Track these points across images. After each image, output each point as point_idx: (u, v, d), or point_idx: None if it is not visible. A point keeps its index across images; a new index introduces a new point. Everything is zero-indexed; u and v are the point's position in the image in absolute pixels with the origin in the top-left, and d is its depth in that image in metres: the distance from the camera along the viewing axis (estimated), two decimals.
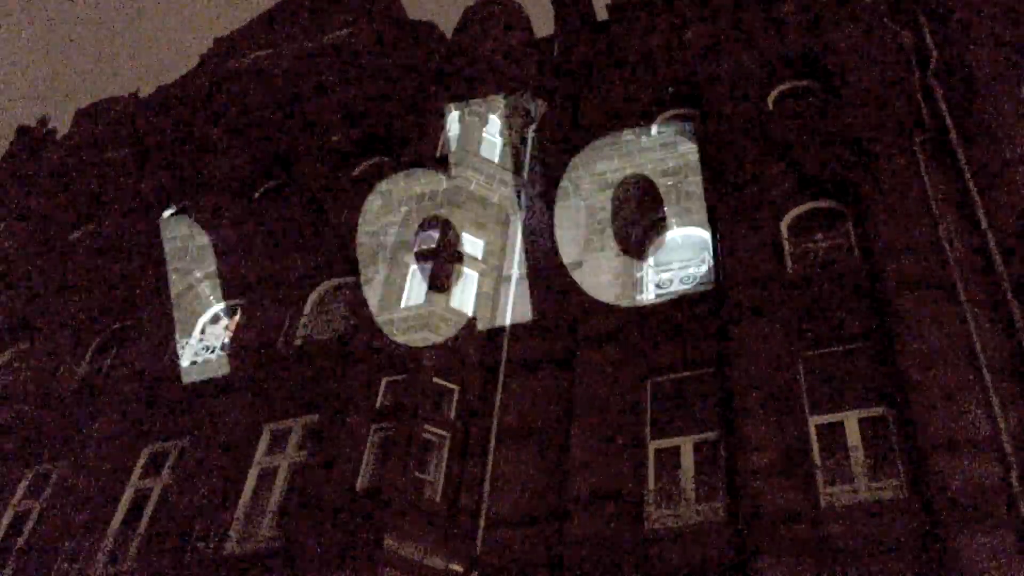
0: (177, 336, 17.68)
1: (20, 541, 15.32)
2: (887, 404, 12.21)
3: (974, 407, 11.48)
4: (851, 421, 12.29)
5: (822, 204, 15.44)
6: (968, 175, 14.14)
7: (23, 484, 16.40)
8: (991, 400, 11.48)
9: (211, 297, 18.45)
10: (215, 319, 18.30)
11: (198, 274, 18.69)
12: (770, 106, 17.67)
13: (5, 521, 15.84)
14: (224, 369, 16.31)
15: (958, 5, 16.95)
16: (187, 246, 19.18)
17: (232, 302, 18.22)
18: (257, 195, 20.81)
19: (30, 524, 15.59)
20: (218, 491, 14.24)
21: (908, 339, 12.47)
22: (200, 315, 18.36)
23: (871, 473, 11.60)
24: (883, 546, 10.70)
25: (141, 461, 15.79)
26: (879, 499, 11.25)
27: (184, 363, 17.05)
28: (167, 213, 21.01)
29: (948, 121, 15.03)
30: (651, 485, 12.60)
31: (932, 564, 10.37)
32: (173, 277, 18.57)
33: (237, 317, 17.74)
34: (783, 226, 15.32)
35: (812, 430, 12.29)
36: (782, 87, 17.97)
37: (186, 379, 16.56)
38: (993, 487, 10.69)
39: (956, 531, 10.44)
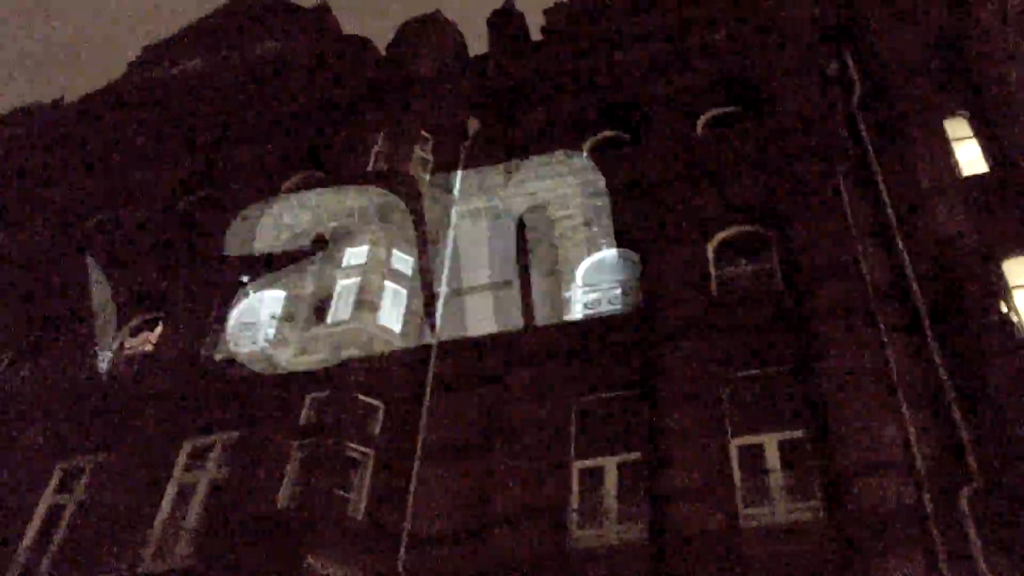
0: (97, 348, 17.29)
1: None
2: (806, 427, 12.43)
3: (890, 431, 11.75)
4: (771, 443, 12.49)
5: (748, 228, 15.68)
6: (888, 204, 14.52)
7: None
8: (906, 424, 11.79)
9: (133, 309, 18.08)
10: (136, 331, 17.96)
11: (122, 285, 18.31)
12: (700, 131, 17.91)
13: None
14: (143, 382, 15.99)
15: (883, 38, 17.40)
16: (110, 256, 18.80)
17: (154, 314, 17.90)
18: (183, 206, 20.47)
19: None
20: (135, 508, 13.94)
21: (828, 363, 12.72)
22: (121, 327, 17.98)
23: (790, 495, 11.78)
24: (800, 568, 10.89)
25: (56, 475, 15.40)
26: (797, 521, 11.44)
27: (103, 375, 16.68)
28: (90, 223, 20.59)
29: (870, 150, 15.42)
30: (575, 504, 12.65)
31: None
32: (94, 288, 18.18)
33: (159, 329, 17.42)
34: (709, 249, 15.52)
35: (733, 452, 12.45)
36: (712, 112, 18.22)
37: (104, 392, 16.20)
38: (907, 510, 10.95)
39: (870, 553, 10.68)
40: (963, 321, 12.48)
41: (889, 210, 14.43)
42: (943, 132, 15.71)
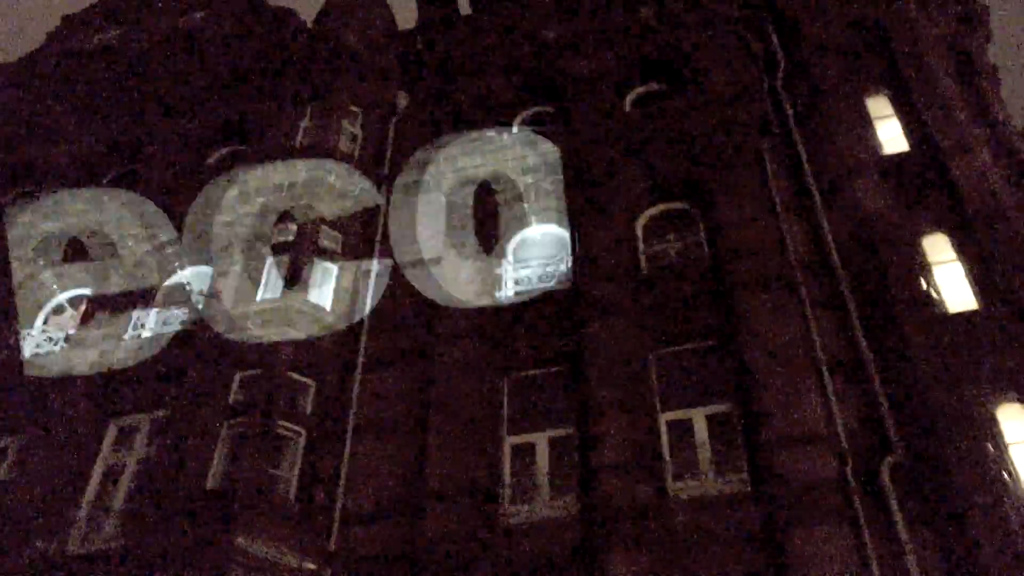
0: (18, 327, 16.92)
1: None
2: (733, 401, 12.68)
3: (813, 404, 12.04)
4: (699, 417, 12.72)
5: (675, 205, 15.87)
6: (811, 179, 14.80)
7: None
8: (829, 397, 12.10)
9: (55, 287, 17.72)
10: (58, 309, 17.61)
11: (41, 263, 17.91)
12: (627, 107, 18.03)
13: None
14: (68, 362, 15.71)
15: (806, 16, 17.65)
16: (29, 234, 18.35)
17: (77, 292, 17.56)
18: (106, 181, 20.04)
19: None
20: (61, 488, 13.73)
21: (752, 337, 12.97)
22: (43, 305, 17.64)
23: (717, 468, 12.03)
24: (727, 539, 11.16)
25: None
26: (724, 493, 11.69)
27: (26, 354, 16.35)
28: (7, 199, 20.07)
29: (793, 127, 15.69)
30: (507, 480, 12.77)
31: (772, 556, 10.86)
32: (15, 265, 17.75)
33: (83, 307, 17.10)
34: (638, 226, 15.69)
35: (662, 426, 12.66)
36: (639, 89, 18.36)
37: (28, 371, 15.87)
38: (829, 482, 11.26)
39: (794, 524, 10.96)
40: (884, 296, 12.83)
41: (812, 186, 14.72)
42: (865, 110, 16.00)
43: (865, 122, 15.71)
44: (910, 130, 15.33)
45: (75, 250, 17.86)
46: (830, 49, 17.00)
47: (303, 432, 13.45)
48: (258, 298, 14.88)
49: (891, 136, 15.55)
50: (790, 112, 16.03)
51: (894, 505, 10.89)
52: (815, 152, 15.28)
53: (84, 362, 15.60)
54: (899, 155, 15.07)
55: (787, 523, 11.00)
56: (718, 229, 14.72)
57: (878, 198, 14.16)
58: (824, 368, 12.35)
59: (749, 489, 11.60)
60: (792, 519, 11.02)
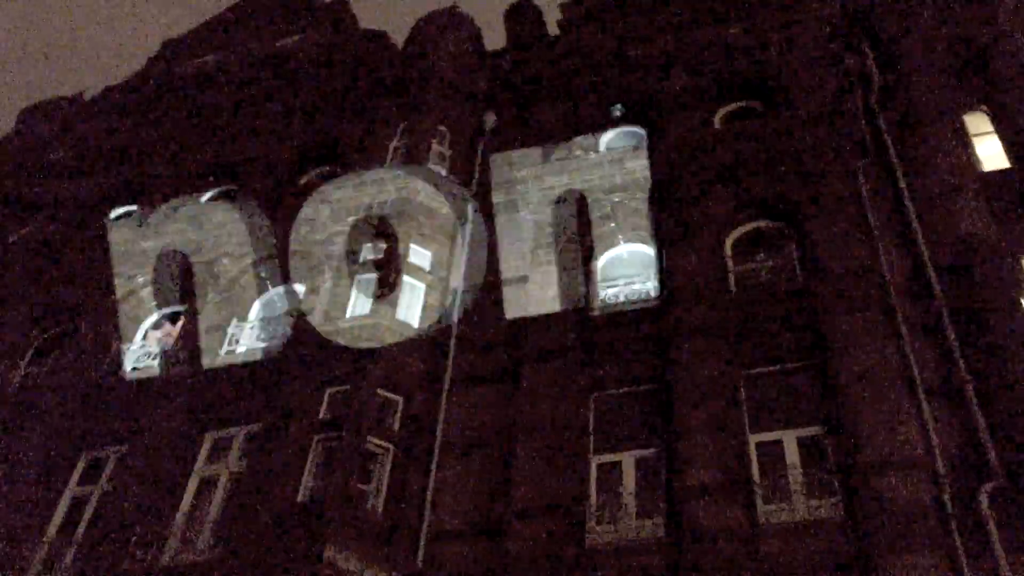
0: (119, 341, 17.44)
1: None
2: (825, 424, 12.42)
3: (909, 428, 11.74)
4: (790, 440, 12.49)
5: (765, 224, 15.67)
6: (908, 199, 14.47)
7: None
8: (926, 421, 11.77)
9: (153, 303, 18.23)
10: (157, 325, 18.10)
11: (141, 279, 18.45)
12: (717, 125, 17.89)
13: None
14: (165, 376, 16.12)
15: (901, 32, 17.35)
16: (131, 250, 18.92)
17: (175, 308, 18.02)
18: (204, 200, 20.58)
19: None
20: (157, 500, 14.07)
21: (846, 360, 12.70)
22: (142, 320, 18.14)
23: (808, 492, 11.79)
24: (818, 565, 10.90)
25: (79, 467, 15.56)
26: (815, 518, 11.44)
27: (125, 368, 16.83)
28: (111, 216, 20.74)
29: (889, 145, 15.37)
30: (592, 500, 12.69)
31: None
32: (116, 281, 18.31)
33: (180, 323, 17.54)
34: (727, 245, 15.51)
35: (751, 448, 12.47)
36: (729, 107, 18.20)
37: (127, 385, 16.34)
38: (926, 508, 10.94)
39: (889, 551, 10.66)
40: (983, 318, 12.46)
41: (908, 206, 14.39)
42: (963, 127, 15.67)
43: (963, 140, 15.38)
44: (1010, 147, 14.92)
45: (174, 267, 18.33)
46: (926, 66, 16.67)
47: (391, 448, 13.56)
48: (347, 315, 15.09)
49: (990, 153, 15.19)
50: (885, 130, 15.71)
51: (993, 532, 10.52)
52: (911, 171, 14.95)
53: (180, 376, 15.98)
54: (998, 172, 14.69)
55: (881, 550, 10.69)
56: (811, 249, 14.48)
57: (976, 217, 13.80)
58: (921, 391, 12.03)
59: (842, 514, 11.33)
60: (887, 545, 10.71)
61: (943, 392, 12.06)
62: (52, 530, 14.62)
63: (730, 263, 15.16)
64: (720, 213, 15.67)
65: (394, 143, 18.42)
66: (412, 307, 15.50)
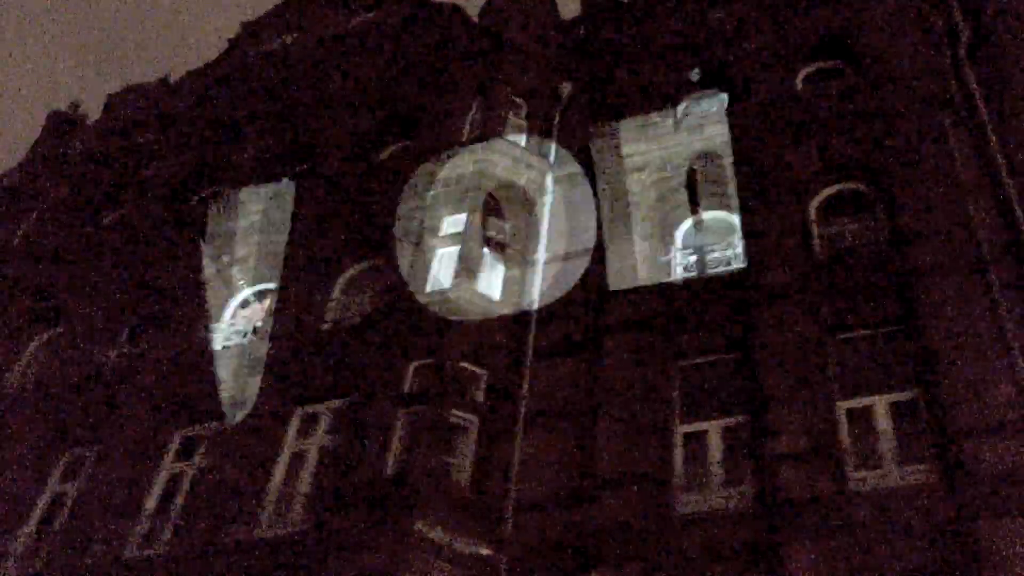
0: (209, 320, 17.83)
1: (56, 524, 15.56)
2: (916, 388, 12.16)
3: (1004, 391, 11.40)
4: (880, 405, 12.26)
5: (851, 186, 15.32)
6: (999, 157, 13.97)
7: (58, 468, 16.65)
8: (1021, 384, 11.40)
9: (241, 282, 18.57)
10: (245, 303, 18.44)
11: (227, 259, 18.80)
12: (798, 87, 17.50)
13: (41, 504, 16.10)
14: (255, 353, 16.44)
15: None
16: (218, 230, 19.30)
17: (262, 286, 18.34)
18: (286, 179, 20.85)
19: (65, 507, 15.82)
20: (249, 475, 14.40)
21: (938, 323, 12.39)
22: (231, 299, 18.50)
23: (900, 458, 11.57)
24: (912, 531, 10.69)
25: (174, 445, 15.99)
26: (908, 484, 11.23)
27: (216, 347, 17.20)
28: (197, 198, 21.15)
29: (979, 102, 14.84)
30: (678, 469, 12.62)
31: (961, 550, 10.35)
32: (205, 261, 18.71)
33: (267, 301, 17.85)
34: (811, 208, 15.21)
35: (841, 414, 12.26)
36: (810, 68, 17.77)
37: (218, 363, 16.70)
38: (1023, 472, 10.63)
39: (985, 517, 10.41)
40: None
41: (1001, 163, 13.89)
42: None
43: None
44: None
45: (260, 245, 18.64)
46: (1016, 16, 16.02)
47: (476, 420, 13.66)
48: (428, 289, 15.19)
49: None
50: (974, 86, 15.17)
51: None
52: (1002, 127, 14.41)
53: (269, 354, 16.27)
54: None
55: (978, 515, 10.43)
56: (899, 210, 14.11)
57: None
58: (1016, 353, 11.65)
59: (936, 480, 11.09)
60: (983, 511, 10.44)
61: None
62: (149, 506, 15.04)
63: (815, 226, 14.87)
64: (803, 176, 15.36)
65: (471, 115, 18.42)
66: (493, 280, 15.54)
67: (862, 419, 12.19)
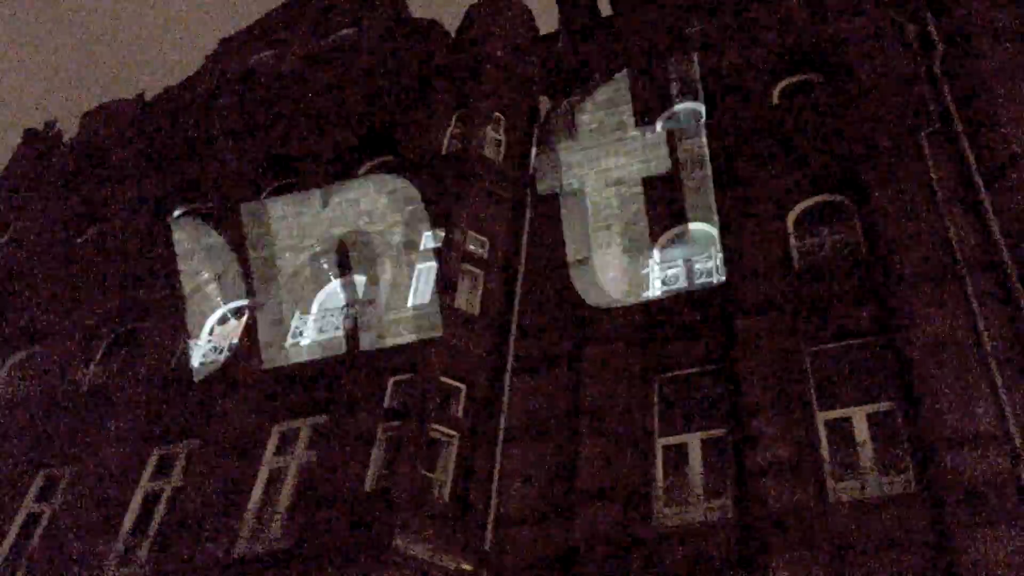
0: (186, 337, 17.71)
1: (32, 544, 15.37)
2: (895, 398, 12.19)
3: (983, 401, 11.44)
4: (859, 416, 12.28)
5: (828, 198, 15.39)
6: (974, 167, 14.09)
7: (34, 487, 16.44)
8: (999, 393, 11.44)
9: (219, 298, 18.46)
10: (223, 320, 18.34)
11: (205, 275, 18.70)
12: (775, 100, 17.61)
13: (17, 524, 15.89)
14: (232, 370, 16.33)
15: None
16: (195, 247, 19.20)
17: (239, 303, 18.23)
18: (263, 195, 20.78)
19: (41, 527, 15.63)
20: (228, 492, 14.26)
21: (915, 333, 12.44)
22: (208, 316, 18.38)
23: (880, 468, 11.59)
24: (892, 541, 10.70)
25: (151, 463, 15.83)
26: (888, 494, 11.24)
27: (193, 364, 17.07)
28: (175, 214, 21.05)
29: (954, 113, 14.97)
30: (659, 482, 12.61)
31: (941, 559, 10.36)
32: (182, 278, 18.60)
33: (245, 318, 17.75)
34: (789, 220, 15.28)
35: (820, 426, 12.27)
36: (787, 81, 17.92)
37: (195, 380, 16.58)
38: (1002, 481, 10.67)
39: (965, 526, 10.42)
40: None
41: (976, 173, 14.00)
42: None
43: None
44: None
45: (236, 262, 18.53)
46: (990, 29, 16.18)
47: (456, 435, 13.62)
48: (408, 304, 15.16)
49: None
50: (950, 97, 15.30)
51: None
52: (978, 138, 14.54)
53: (247, 371, 16.15)
54: None
55: (956, 526, 10.45)
56: (876, 221, 14.18)
57: None
58: (993, 363, 11.70)
59: (915, 490, 11.12)
60: (962, 521, 10.46)
61: (1016, 362, 11.71)
62: (127, 525, 14.88)
63: (793, 238, 14.93)
64: (781, 188, 15.43)
65: (450, 131, 18.46)
66: (472, 294, 15.52)
67: (842, 430, 12.21)
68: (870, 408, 12.32)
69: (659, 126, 17.99)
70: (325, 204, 18.75)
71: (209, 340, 17.80)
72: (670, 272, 15.50)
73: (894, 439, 11.84)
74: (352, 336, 15.55)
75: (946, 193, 14.01)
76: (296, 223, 18.57)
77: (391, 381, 14.24)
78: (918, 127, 15.07)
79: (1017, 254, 12.73)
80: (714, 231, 15.57)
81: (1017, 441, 10.95)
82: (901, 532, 10.76)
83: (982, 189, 13.72)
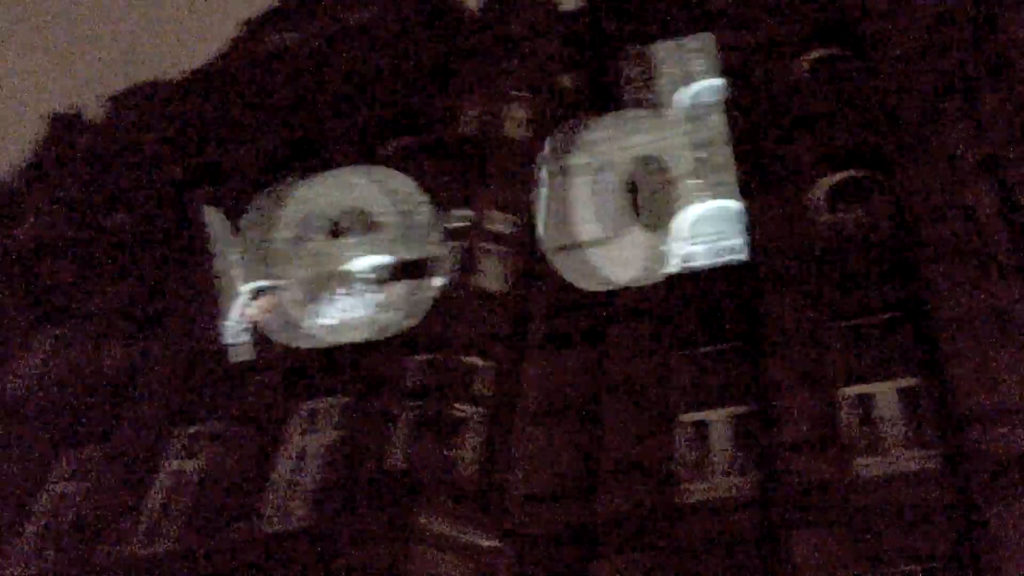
0: (213, 318, 17.79)
1: (61, 523, 15.54)
2: (921, 374, 12.10)
3: (1009, 376, 11.34)
4: (885, 391, 12.18)
5: (853, 173, 15.24)
6: (1002, 142, 13.91)
7: (64, 466, 16.63)
8: None
9: (245, 279, 18.53)
10: (250, 300, 18.39)
11: (232, 257, 18.77)
12: (801, 74, 17.42)
13: (46, 503, 16.08)
14: (259, 350, 16.40)
15: None
16: (221, 229, 19.26)
17: (267, 283, 18.29)
18: (288, 176, 20.80)
19: (72, 506, 15.81)
20: (253, 471, 14.36)
21: (941, 308, 12.34)
22: (235, 298, 18.46)
23: (905, 444, 11.51)
24: (917, 517, 10.63)
25: (179, 442, 15.95)
26: (913, 470, 11.17)
27: (222, 345, 17.16)
28: (202, 196, 21.12)
29: (981, 87, 14.77)
30: (682, 459, 12.57)
31: (967, 534, 10.30)
32: (211, 260, 18.67)
33: (271, 299, 17.80)
34: (815, 196, 15.14)
35: (844, 402, 12.19)
36: (812, 55, 17.72)
37: (224, 361, 16.67)
38: None
39: (990, 501, 10.34)
40: None
41: (1003, 148, 13.83)
42: None
43: None
44: None
45: (263, 243, 18.59)
46: (1017, 2, 15.94)
47: (479, 413, 13.64)
48: (433, 283, 15.16)
49: None
50: (977, 71, 15.09)
51: None
52: (1005, 112, 14.35)
53: (272, 351, 16.24)
54: None
55: (982, 500, 10.38)
56: (901, 196, 14.05)
57: None
58: (1019, 338, 11.59)
59: (941, 466, 11.04)
60: (989, 496, 10.38)
61: None
62: (154, 504, 15.02)
63: (818, 214, 14.79)
64: (806, 163, 15.30)
65: (474, 111, 18.38)
66: (496, 273, 15.50)
67: (866, 406, 12.13)
68: (895, 383, 12.24)
69: (682, 102, 17.83)
70: (350, 185, 18.76)
71: (236, 321, 17.87)
72: (695, 249, 15.41)
73: (920, 414, 11.75)
74: (376, 315, 15.59)
75: (973, 169, 13.84)
76: (321, 204, 18.57)
77: (414, 360, 14.24)
78: (945, 102, 14.87)
79: None
80: (738, 207, 15.46)
81: None
82: (927, 507, 10.70)
83: (1009, 165, 13.53)
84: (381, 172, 18.25)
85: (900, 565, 10.53)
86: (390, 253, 16.70)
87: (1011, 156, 13.69)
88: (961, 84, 14.97)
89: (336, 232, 17.92)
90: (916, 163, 14.25)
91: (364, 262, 17.46)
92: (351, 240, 17.62)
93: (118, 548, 14.25)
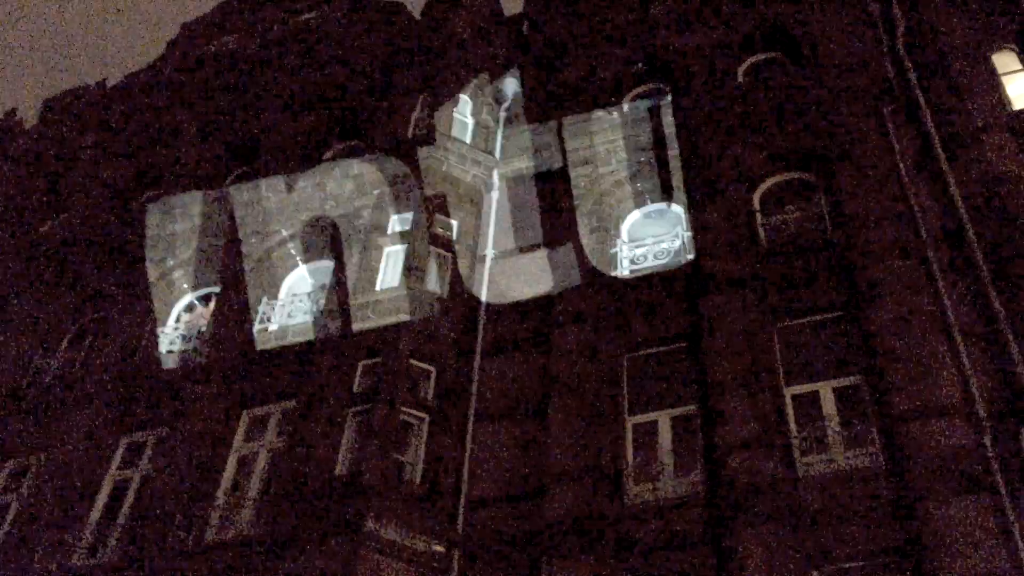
0: (153, 324, 17.55)
1: (0, 535, 15.23)
2: (861, 373, 12.30)
3: (947, 373, 11.58)
4: (826, 391, 12.38)
5: (794, 176, 15.47)
6: (938, 143, 14.20)
7: (1, 477, 16.29)
8: (964, 366, 11.60)
9: (185, 285, 18.32)
10: (190, 308, 18.20)
11: (171, 263, 18.54)
12: (740, 79, 17.64)
13: None
14: (200, 357, 16.21)
15: None
16: (160, 235, 19.01)
17: (207, 290, 18.10)
18: (229, 180, 20.60)
19: (9, 517, 15.48)
20: (197, 479, 14.18)
21: (880, 308, 12.55)
22: (175, 304, 18.24)
23: (847, 442, 11.70)
24: (860, 514, 10.83)
25: (119, 451, 15.69)
26: (855, 467, 11.35)
27: (161, 352, 16.93)
28: (139, 202, 20.82)
29: (917, 90, 15.07)
30: (629, 460, 12.67)
31: (908, 531, 10.50)
32: (148, 266, 18.41)
33: (212, 305, 17.62)
34: (755, 198, 15.35)
35: (788, 400, 12.37)
36: (752, 59, 17.95)
37: (163, 368, 16.45)
38: (967, 452, 10.80)
39: (931, 497, 10.56)
40: (1018, 258, 12.26)
41: (938, 149, 14.12)
42: (991, 66, 15.32)
43: (992, 79, 15.04)
44: None
45: (203, 249, 18.39)
46: (951, 6, 16.30)
47: (426, 418, 13.61)
48: (377, 287, 15.10)
49: (1020, 92, 14.84)
50: (912, 74, 15.40)
51: None
52: (940, 114, 14.66)
53: (215, 357, 16.05)
54: None
55: (923, 496, 10.59)
56: (841, 198, 14.27)
57: (1008, 157, 13.54)
58: (958, 336, 11.85)
59: (882, 462, 11.23)
60: (928, 492, 10.61)
61: (980, 335, 11.88)
62: (96, 514, 14.77)
63: (759, 216, 15.00)
64: (747, 166, 15.49)
65: (416, 114, 18.33)
66: (441, 277, 15.48)
67: (809, 404, 12.31)
68: (836, 383, 12.43)
69: (625, 106, 17.96)
70: (291, 189, 18.62)
71: (176, 327, 17.66)
72: (638, 251, 15.54)
73: (861, 413, 11.95)
74: (320, 321, 15.50)
75: (909, 168, 14.13)
76: (262, 209, 18.41)
77: (360, 365, 14.18)
78: (882, 105, 15.15)
79: (980, 228, 12.86)
80: (681, 210, 15.61)
81: (981, 412, 11.09)
82: (869, 505, 10.88)
83: (944, 163, 13.83)
84: (324, 175, 18.16)
85: (844, 561, 10.69)
86: (335, 257, 16.58)
87: (946, 157, 13.96)
88: (899, 88, 15.22)
89: (279, 236, 17.79)
90: (855, 165, 14.49)
91: (308, 266, 17.38)
92: (295, 244, 17.51)
93: (60, 559, 14.00)
